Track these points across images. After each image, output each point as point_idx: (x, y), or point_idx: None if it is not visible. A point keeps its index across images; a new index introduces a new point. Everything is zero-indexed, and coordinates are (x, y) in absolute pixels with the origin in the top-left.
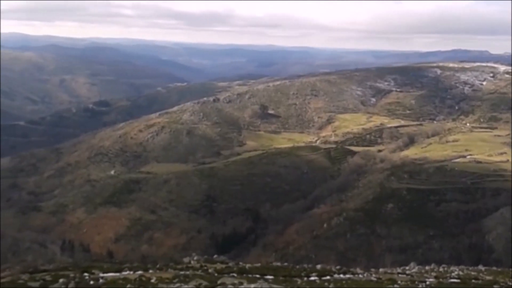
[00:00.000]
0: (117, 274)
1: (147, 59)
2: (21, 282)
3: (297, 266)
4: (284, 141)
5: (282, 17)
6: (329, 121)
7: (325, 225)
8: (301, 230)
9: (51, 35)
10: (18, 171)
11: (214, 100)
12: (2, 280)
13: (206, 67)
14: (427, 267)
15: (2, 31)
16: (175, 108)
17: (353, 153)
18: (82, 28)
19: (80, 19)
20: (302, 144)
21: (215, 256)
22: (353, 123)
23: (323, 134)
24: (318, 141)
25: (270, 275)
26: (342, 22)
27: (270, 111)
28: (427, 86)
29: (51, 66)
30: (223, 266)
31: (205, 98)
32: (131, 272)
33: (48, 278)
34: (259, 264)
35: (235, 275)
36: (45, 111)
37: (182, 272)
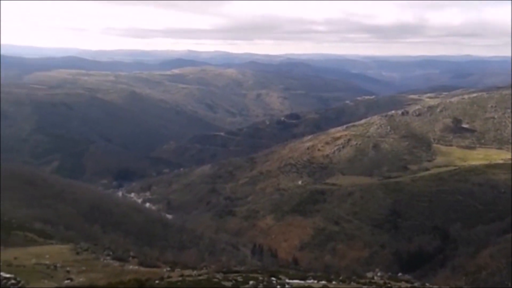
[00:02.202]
0: (302, 281)
1: (337, 73)
2: (215, 281)
3: None
4: (479, 157)
5: (481, 25)
6: None
7: None
8: (496, 254)
9: (251, 53)
10: (217, 177)
11: (402, 113)
12: (200, 278)
13: (396, 79)
14: None
15: (208, 50)
16: (362, 121)
17: None
18: (278, 45)
19: (277, 36)
20: (500, 161)
21: (400, 274)
22: None
23: None
24: None
25: None
26: None
27: (464, 125)
28: None
29: (249, 82)
30: (408, 285)
31: (393, 111)
32: (315, 281)
33: (239, 279)
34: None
35: None
36: (242, 123)
37: (365, 287)
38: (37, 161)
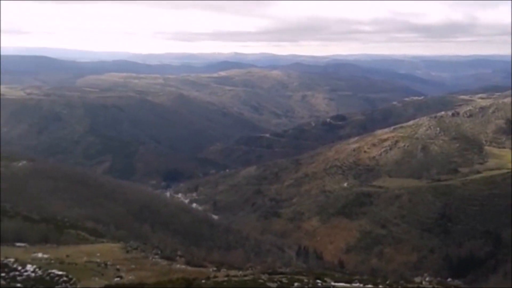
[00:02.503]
0: (348, 284)
1: (384, 73)
2: (261, 282)
3: None
4: None
5: None
6: None
7: None
8: None
9: (296, 54)
10: (262, 179)
11: (453, 114)
12: (245, 278)
13: (445, 79)
14: None
15: (254, 52)
16: (410, 123)
17: None
18: (324, 46)
19: (323, 37)
20: None
21: (449, 279)
22: None
23: None
24: None
25: None
26: None
27: None
28: None
29: (294, 83)
30: None
31: (442, 112)
32: (361, 285)
33: (284, 280)
34: None
35: None
36: (287, 125)
37: None
38: (89, 162)
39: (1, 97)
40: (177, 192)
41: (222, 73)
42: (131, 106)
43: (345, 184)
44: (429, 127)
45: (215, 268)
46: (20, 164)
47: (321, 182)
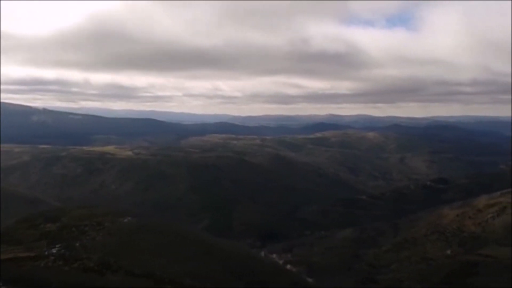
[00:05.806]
0: None
1: (490, 135)
2: None
3: None
4: None
5: None
6: None
7: None
8: None
9: (394, 116)
10: (359, 242)
11: None
12: None
13: None
14: None
15: (350, 113)
16: None
17: None
18: (423, 108)
19: (421, 99)
20: None
21: None
22: None
23: None
24: None
25: None
26: None
27: None
28: None
29: (392, 145)
30: None
31: None
32: None
33: None
34: None
35: None
36: (385, 187)
37: None
38: (190, 219)
39: (111, 156)
40: (271, 252)
41: (318, 134)
42: (229, 166)
43: (448, 252)
44: None
45: None
46: (125, 220)
47: (421, 249)
